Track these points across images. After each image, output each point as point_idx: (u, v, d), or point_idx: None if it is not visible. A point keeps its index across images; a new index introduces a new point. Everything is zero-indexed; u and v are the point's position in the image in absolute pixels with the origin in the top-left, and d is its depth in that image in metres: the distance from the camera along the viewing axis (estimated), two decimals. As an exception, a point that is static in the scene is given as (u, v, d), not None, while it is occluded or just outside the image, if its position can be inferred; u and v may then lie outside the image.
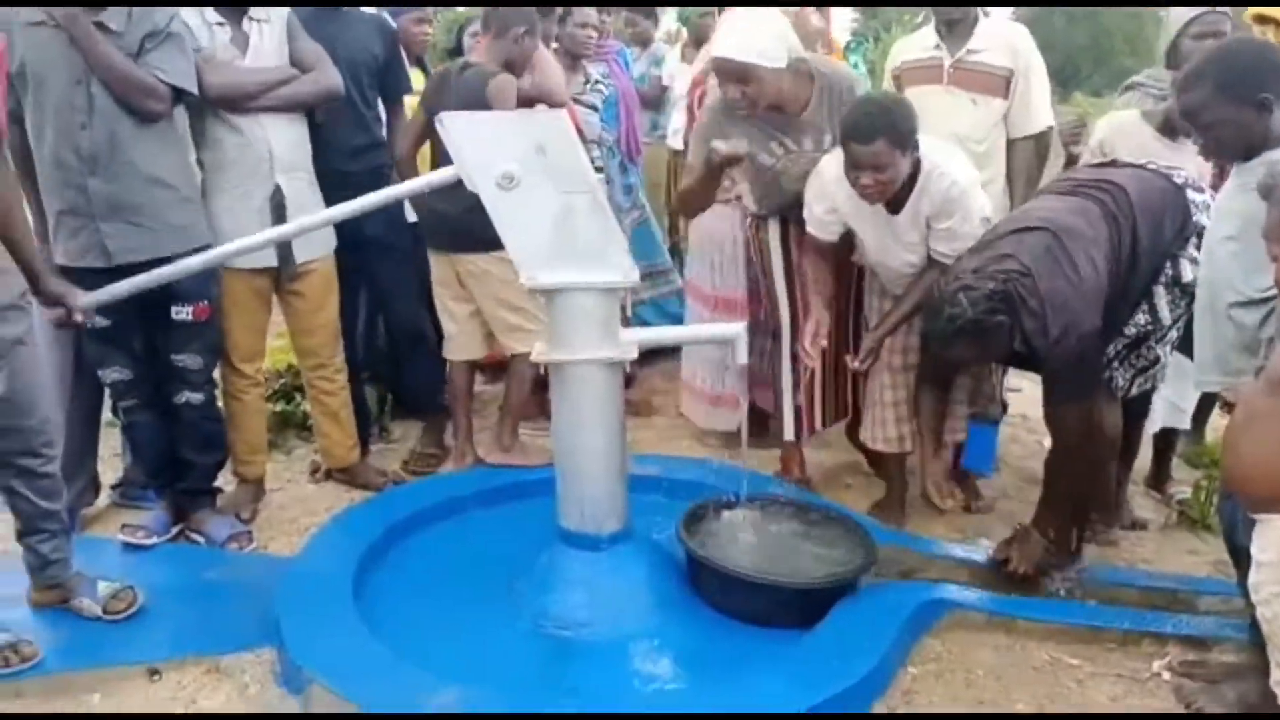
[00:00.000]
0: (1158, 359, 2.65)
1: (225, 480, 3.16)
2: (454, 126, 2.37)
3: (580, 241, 2.39)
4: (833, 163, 2.74)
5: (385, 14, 3.61)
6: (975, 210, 2.65)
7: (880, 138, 2.48)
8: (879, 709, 2.11)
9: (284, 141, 2.97)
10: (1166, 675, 2.25)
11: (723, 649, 2.36)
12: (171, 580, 2.66)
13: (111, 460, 3.37)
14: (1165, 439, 3.24)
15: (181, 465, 2.93)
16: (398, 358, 3.80)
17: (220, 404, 3.09)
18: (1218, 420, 3.36)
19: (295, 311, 3.21)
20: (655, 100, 5.22)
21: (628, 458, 2.61)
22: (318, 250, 3.13)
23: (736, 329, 2.56)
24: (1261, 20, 3.30)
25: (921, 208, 2.67)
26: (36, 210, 2.64)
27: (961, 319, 2.31)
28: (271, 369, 3.69)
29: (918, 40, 3.30)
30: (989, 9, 3.27)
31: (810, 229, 2.89)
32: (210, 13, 2.89)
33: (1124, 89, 3.50)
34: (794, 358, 3.14)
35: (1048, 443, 3.05)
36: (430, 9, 3.82)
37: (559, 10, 3.70)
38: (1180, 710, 2.13)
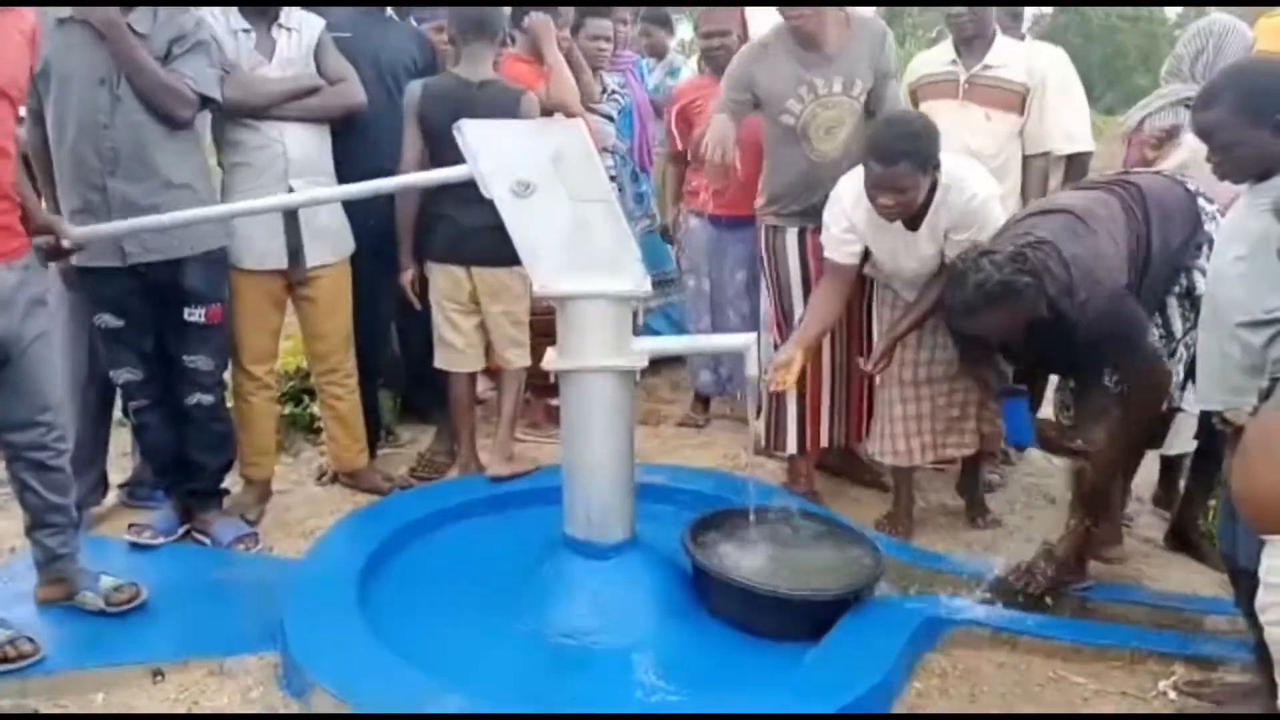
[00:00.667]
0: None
1: (232, 482, 3.17)
2: (471, 134, 2.39)
3: (594, 250, 2.40)
4: (851, 184, 2.76)
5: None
6: (994, 221, 2.66)
7: (904, 160, 2.50)
8: (883, 723, 2.10)
9: (301, 146, 2.99)
10: (1172, 695, 2.24)
11: (727, 661, 2.36)
12: (177, 580, 2.67)
13: (120, 460, 3.38)
14: (1175, 459, 3.22)
15: (189, 466, 2.94)
16: (411, 362, 3.81)
17: (229, 406, 3.10)
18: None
19: (307, 315, 3.23)
20: (669, 110, 5.23)
21: (635, 467, 2.61)
22: (331, 254, 3.15)
23: (747, 339, 2.57)
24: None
25: (940, 221, 2.68)
26: (52, 210, 2.66)
27: (989, 283, 2.29)
28: (281, 371, 3.70)
29: (935, 55, 3.32)
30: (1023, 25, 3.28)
31: (827, 252, 2.88)
32: (236, 18, 2.92)
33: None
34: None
35: (1058, 462, 3.06)
36: None
37: (567, 17, 3.72)
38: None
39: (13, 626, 2.27)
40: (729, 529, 2.71)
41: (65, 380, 2.68)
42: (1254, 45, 3.29)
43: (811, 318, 2.90)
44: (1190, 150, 2.99)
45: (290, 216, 2.99)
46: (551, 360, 2.50)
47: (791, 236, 3.11)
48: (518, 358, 3.32)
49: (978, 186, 2.67)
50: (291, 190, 2.96)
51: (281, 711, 2.14)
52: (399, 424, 4.01)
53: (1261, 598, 1.71)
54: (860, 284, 3.06)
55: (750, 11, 3.74)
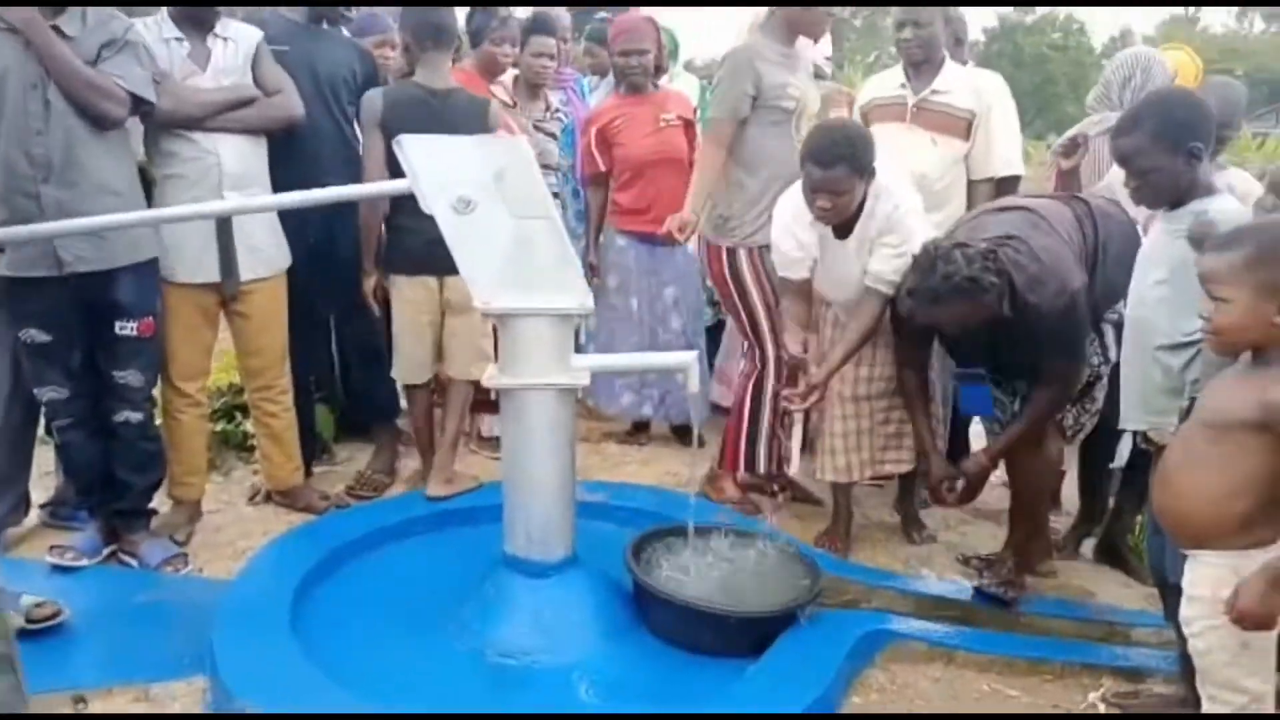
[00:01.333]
0: (1099, 408, 2.72)
1: (160, 501, 3.07)
2: (411, 149, 2.36)
3: (536, 267, 2.39)
4: (787, 202, 2.87)
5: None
6: (918, 233, 2.71)
7: (841, 164, 2.60)
8: (822, 739, 2.12)
9: (236, 158, 2.94)
10: (1102, 706, 2.29)
11: (668, 678, 2.36)
12: (101, 603, 2.59)
13: (42, 479, 3.26)
14: (1099, 474, 3.32)
15: (116, 485, 2.85)
16: (349, 378, 3.75)
17: (158, 423, 3.02)
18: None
19: (241, 331, 3.16)
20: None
21: (576, 484, 2.60)
22: (265, 268, 3.09)
23: (688, 357, 2.58)
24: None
25: (869, 231, 2.76)
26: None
27: (957, 275, 2.34)
28: (213, 387, 3.61)
29: (886, 79, 3.41)
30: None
31: (782, 271, 2.96)
32: (168, 27, 2.87)
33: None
34: (774, 395, 3.20)
35: (993, 478, 3.13)
36: (392, 33, 3.82)
37: (514, 32, 3.73)
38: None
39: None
40: (670, 546, 2.72)
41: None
42: (1174, 78, 3.44)
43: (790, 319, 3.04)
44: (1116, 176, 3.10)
45: (223, 229, 2.92)
46: (492, 377, 2.48)
47: (744, 254, 3.18)
48: (479, 370, 3.26)
49: (901, 197, 2.77)
50: (225, 202, 2.91)
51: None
52: (336, 442, 3.93)
53: (1184, 610, 1.76)
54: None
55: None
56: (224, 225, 2.91)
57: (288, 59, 3.12)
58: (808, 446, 3.37)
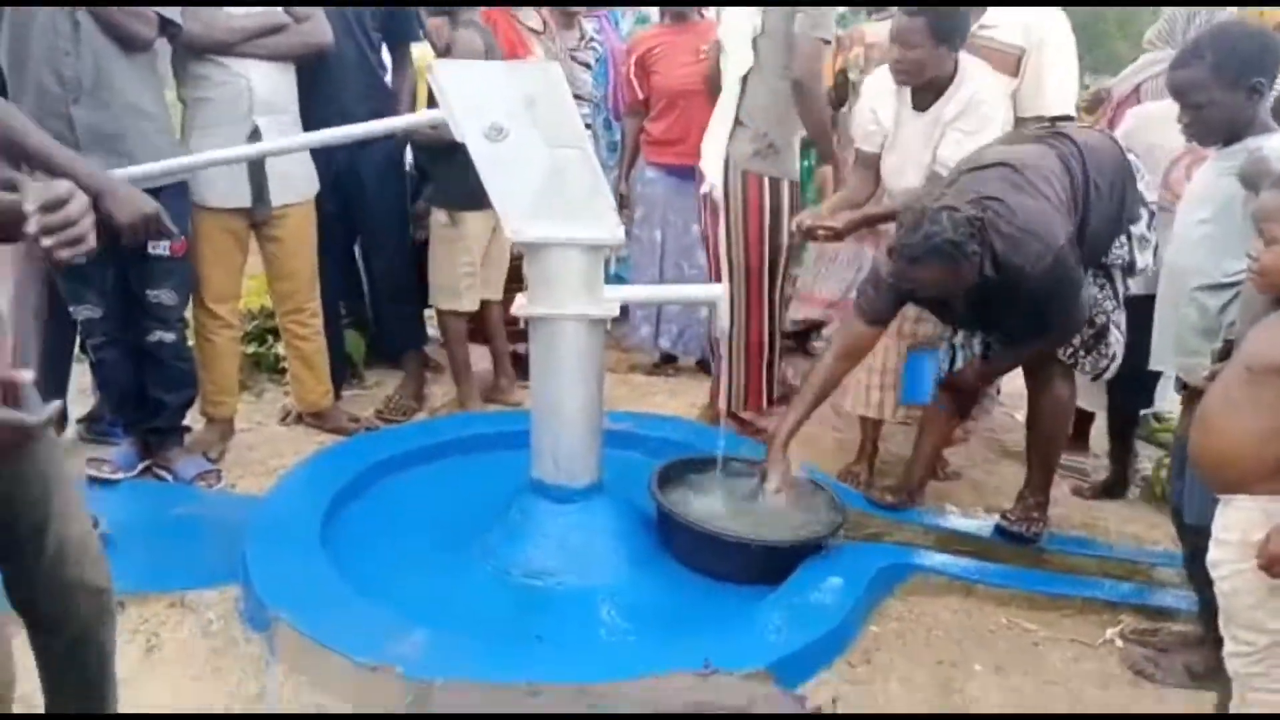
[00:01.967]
0: (1114, 354, 2.69)
1: (193, 420, 3.13)
2: (443, 74, 2.33)
3: (568, 197, 2.36)
4: (874, 81, 2.91)
5: None
6: (990, 124, 2.71)
7: (922, 18, 2.60)
8: (840, 666, 2.15)
9: (265, 83, 2.93)
10: (1119, 642, 2.31)
11: (689, 604, 2.39)
12: (137, 515, 2.66)
13: (79, 396, 3.33)
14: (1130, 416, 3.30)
15: (150, 403, 2.90)
16: (377, 306, 3.78)
17: (191, 344, 3.06)
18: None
19: (271, 255, 3.18)
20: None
21: (603, 413, 2.62)
22: (295, 195, 3.10)
23: (717, 290, 2.56)
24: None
25: (946, 112, 2.74)
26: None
27: (939, 237, 2.26)
28: (245, 310, 3.65)
29: None
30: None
31: (858, 143, 2.97)
32: None
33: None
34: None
35: (1020, 416, 3.12)
36: None
37: None
38: (1130, 676, 2.19)
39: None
40: (695, 475, 2.74)
41: (23, 316, 2.62)
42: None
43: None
44: (1136, 118, 3.01)
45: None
46: (522, 306, 2.48)
47: (786, 189, 3.14)
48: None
49: (987, 89, 2.75)
50: (256, 128, 2.90)
51: (242, 645, 2.14)
52: (366, 366, 3.98)
53: (1213, 554, 1.76)
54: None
55: None
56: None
57: None
58: None
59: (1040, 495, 2.74)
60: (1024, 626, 2.36)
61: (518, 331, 3.51)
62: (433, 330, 3.90)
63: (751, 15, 3.04)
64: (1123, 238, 2.57)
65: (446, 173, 3.29)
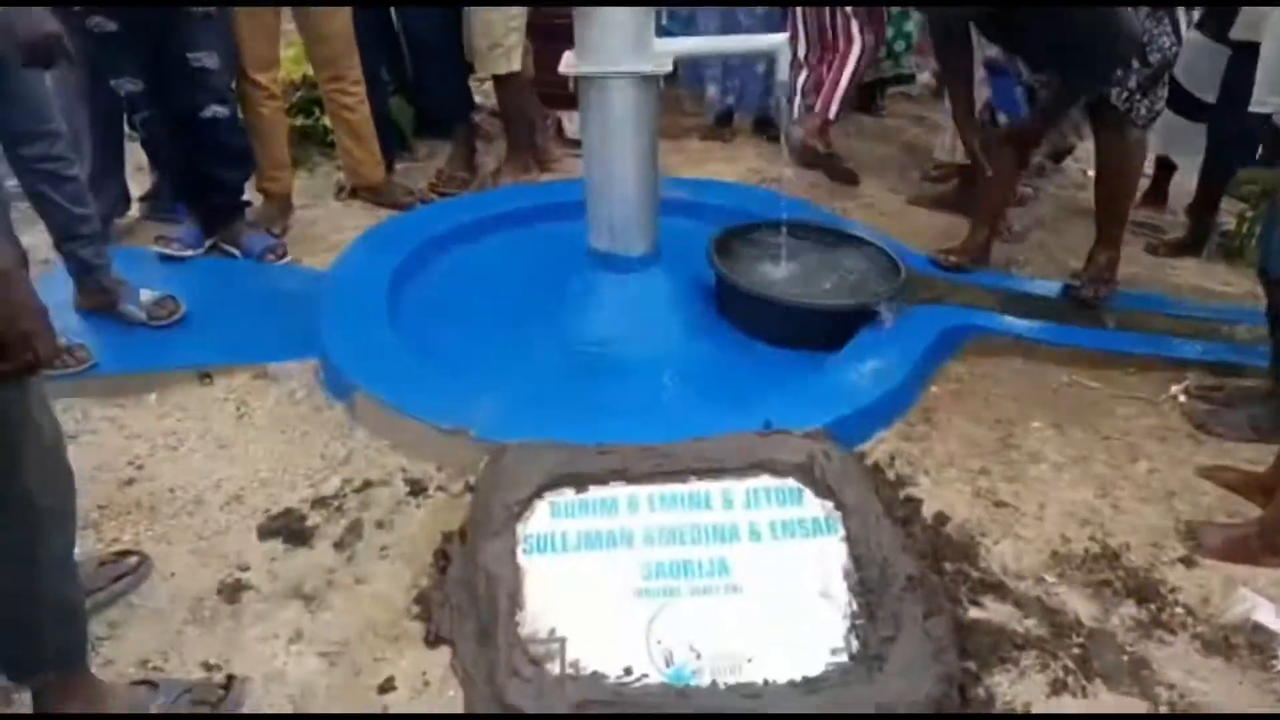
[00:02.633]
0: (1163, 95, 2.53)
1: (251, 196, 3.14)
2: None
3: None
4: None
5: None
6: None
7: None
8: (899, 426, 2.19)
9: None
10: (1183, 398, 2.31)
11: (749, 369, 2.43)
12: (211, 291, 2.73)
13: (137, 175, 3.34)
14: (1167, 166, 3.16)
15: (210, 182, 2.90)
16: (420, 69, 3.65)
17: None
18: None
19: (306, 17, 3.05)
20: None
21: (660, 180, 2.56)
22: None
23: (779, 39, 2.40)
24: None
25: None
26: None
27: None
28: (286, 80, 3.56)
29: None
30: None
31: None
32: None
33: None
34: None
35: (1092, 173, 2.97)
36: None
37: None
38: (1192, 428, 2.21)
39: (64, 334, 2.35)
40: (754, 242, 2.70)
41: (64, 90, 2.58)
42: None
43: None
44: None
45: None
46: (570, 64, 2.36)
47: None
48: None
49: None
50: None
51: (326, 413, 2.26)
52: (416, 137, 3.91)
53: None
54: None
55: None
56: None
57: None
58: None
59: (1110, 251, 2.66)
60: (1086, 385, 2.37)
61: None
62: (479, 98, 3.78)
63: None
64: None
65: None
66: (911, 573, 1.61)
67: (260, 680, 1.55)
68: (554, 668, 1.48)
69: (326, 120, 3.46)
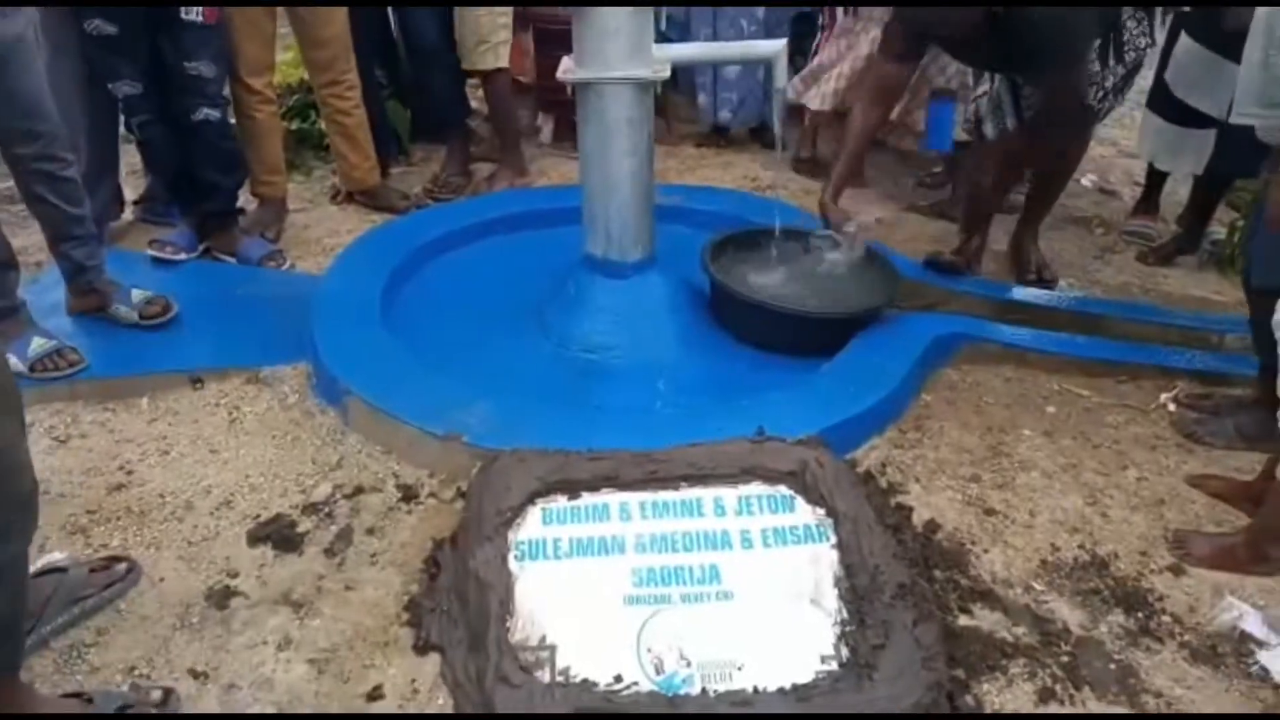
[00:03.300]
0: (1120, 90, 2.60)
1: (245, 201, 3.14)
2: None
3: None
4: None
5: None
6: None
7: None
8: (891, 432, 2.20)
9: None
10: (1172, 407, 2.32)
11: (742, 375, 2.44)
12: (204, 295, 2.72)
13: (131, 178, 3.34)
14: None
15: (203, 186, 2.90)
16: (418, 72, 3.66)
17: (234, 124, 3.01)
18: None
19: (303, 21, 3.05)
20: None
21: (655, 186, 2.56)
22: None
23: (777, 46, 2.41)
24: None
25: None
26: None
27: None
28: (281, 85, 3.56)
29: None
30: None
31: None
32: None
33: None
34: None
35: (1084, 181, 2.99)
36: None
37: None
38: (1182, 438, 2.22)
39: (56, 337, 2.35)
40: (748, 249, 2.71)
41: (61, 91, 2.58)
42: None
43: None
44: None
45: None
46: (568, 70, 2.37)
47: None
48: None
49: None
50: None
51: (317, 418, 2.25)
52: (412, 142, 3.91)
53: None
54: None
55: None
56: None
57: None
58: None
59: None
60: (1076, 393, 2.38)
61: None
62: (474, 103, 3.79)
63: None
64: None
65: None
66: (902, 580, 1.62)
67: (248, 687, 1.55)
68: (544, 675, 1.48)
69: (322, 124, 3.47)
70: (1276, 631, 1.65)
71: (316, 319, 2.45)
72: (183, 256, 2.91)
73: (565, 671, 1.49)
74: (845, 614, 1.59)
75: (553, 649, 1.52)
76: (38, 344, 2.31)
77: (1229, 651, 1.63)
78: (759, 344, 2.51)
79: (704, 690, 1.47)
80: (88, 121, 2.85)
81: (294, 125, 3.75)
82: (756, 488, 1.84)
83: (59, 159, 2.27)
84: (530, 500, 1.80)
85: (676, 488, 1.84)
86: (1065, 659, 1.61)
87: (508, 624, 1.56)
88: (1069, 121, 2.53)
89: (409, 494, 1.99)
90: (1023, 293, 2.76)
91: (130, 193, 3.28)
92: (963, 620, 1.68)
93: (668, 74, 2.36)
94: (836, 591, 1.63)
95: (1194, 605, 1.74)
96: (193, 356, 2.44)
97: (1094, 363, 2.46)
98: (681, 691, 1.47)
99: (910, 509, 1.93)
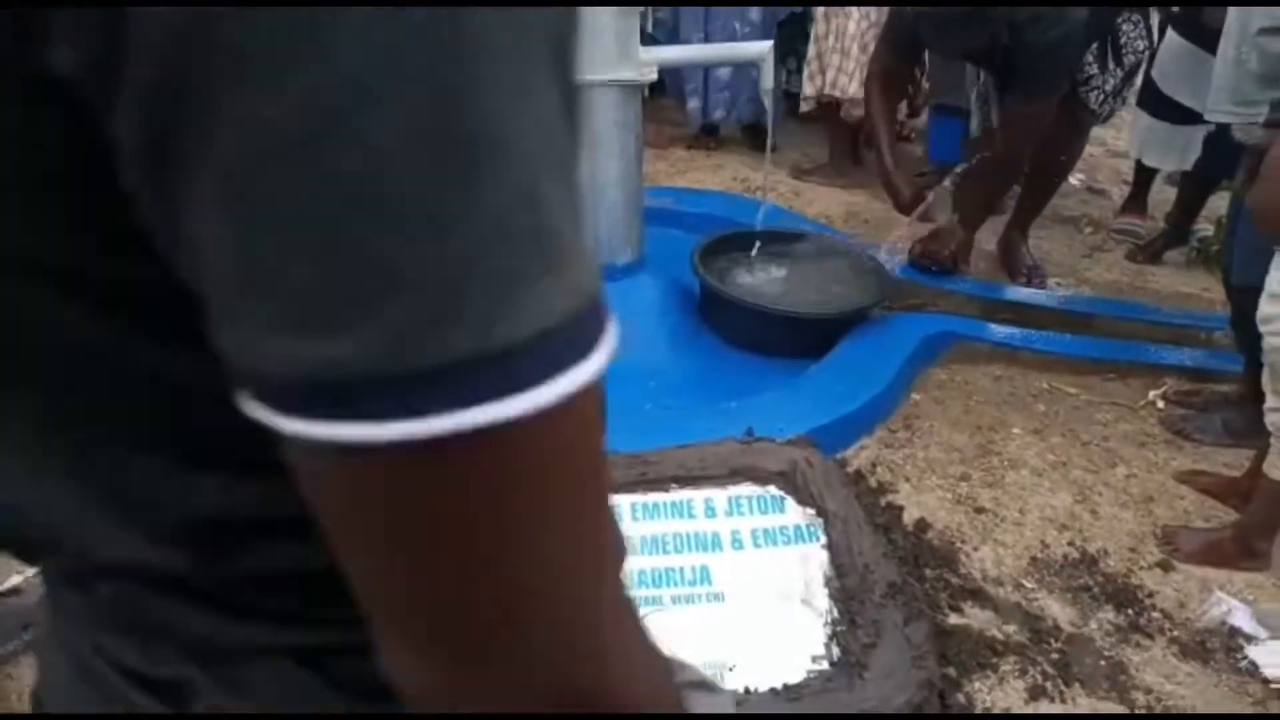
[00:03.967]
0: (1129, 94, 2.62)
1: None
2: None
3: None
4: None
5: None
6: None
7: None
8: (880, 432, 2.21)
9: None
10: (1160, 404, 2.33)
11: (732, 376, 2.44)
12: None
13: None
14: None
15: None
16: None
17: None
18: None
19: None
20: None
21: (643, 188, 2.57)
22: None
23: (764, 47, 2.42)
24: None
25: None
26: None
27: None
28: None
29: None
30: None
31: None
32: None
33: None
34: None
35: (1074, 180, 3.01)
36: None
37: None
38: (1172, 435, 2.23)
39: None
40: (738, 250, 2.71)
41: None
42: None
43: None
44: None
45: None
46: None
47: None
48: None
49: None
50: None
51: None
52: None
53: (1264, 308, 1.73)
54: None
55: None
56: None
57: None
58: None
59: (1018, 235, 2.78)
60: (1065, 391, 2.39)
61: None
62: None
63: None
64: None
65: None
66: (892, 579, 1.62)
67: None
68: (535, 677, 1.48)
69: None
70: (1265, 626, 1.66)
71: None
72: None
73: (556, 674, 1.49)
74: (836, 614, 1.59)
75: (544, 652, 1.52)
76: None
77: (1218, 647, 1.64)
78: (749, 346, 2.51)
79: (695, 691, 1.47)
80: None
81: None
82: (747, 488, 1.84)
83: None
84: (521, 503, 1.80)
85: (667, 489, 1.84)
86: (1056, 656, 1.61)
87: (499, 627, 1.56)
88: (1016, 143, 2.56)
89: (400, 499, 1.98)
90: (1012, 292, 2.77)
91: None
92: (953, 618, 1.68)
93: (654, 76, 2.37)
94: (827, 591, 1.63)
95: (1183, 601, 1.75)
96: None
97: (1083, 361, 2.47)
98: (673, 693, 1.47)
99: (900, 508, 1.94)
